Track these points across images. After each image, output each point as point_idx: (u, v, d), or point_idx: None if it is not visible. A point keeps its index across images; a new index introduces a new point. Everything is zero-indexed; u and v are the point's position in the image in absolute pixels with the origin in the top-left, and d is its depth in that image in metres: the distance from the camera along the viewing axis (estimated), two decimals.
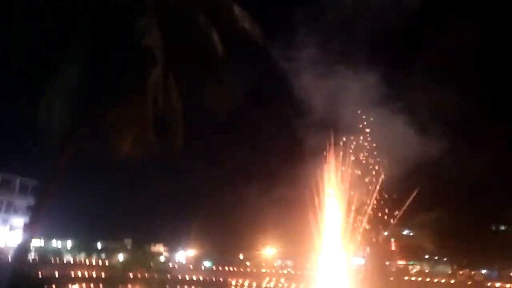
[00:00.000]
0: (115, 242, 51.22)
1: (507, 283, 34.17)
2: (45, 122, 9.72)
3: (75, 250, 52.02)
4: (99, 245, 54.35)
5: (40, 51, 10.19)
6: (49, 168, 10.66)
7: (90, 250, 51.89)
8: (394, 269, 40.61)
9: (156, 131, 10.59)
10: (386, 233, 35.11)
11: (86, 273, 41.33)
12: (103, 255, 49.92)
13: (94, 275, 40.47)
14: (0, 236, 49.66)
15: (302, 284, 35.29)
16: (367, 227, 18.97)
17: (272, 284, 39.03)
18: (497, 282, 35.37)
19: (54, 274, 38.23)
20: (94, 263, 45.47)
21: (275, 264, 48.08)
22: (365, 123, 17.83)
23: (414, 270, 44.12)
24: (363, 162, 17.99)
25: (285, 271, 43.12)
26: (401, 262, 43.35)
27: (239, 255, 50.73)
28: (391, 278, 34.47)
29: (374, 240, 31.56)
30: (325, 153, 18.21)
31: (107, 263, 44.20)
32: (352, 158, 18.02)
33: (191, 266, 46.48)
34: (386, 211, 18.94)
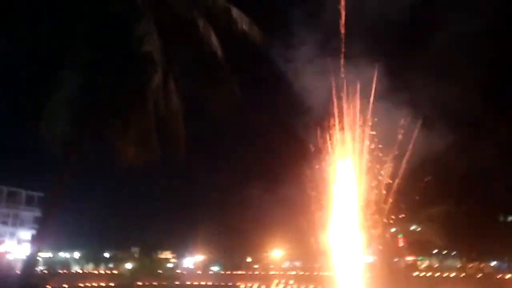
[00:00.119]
0: (122, 251, 51.24)
1: None
2: (48, 132, 9.73)
3: (83, 260, 52.08)
4: (106, 255, 54.42)
5: (39, 61, 10.23)
6: (54, 179, 10.66)
7: (98, 260, 51.95)
8: (403, 266, 40.42)
9: (159, 136, 10.60)
10: (393, 230, 34.95)
11: (95, 283, 41.35)
12: (111, 265, 49.97)
13: (103, 285, 40.49)
14: (8, 249, 49.77)
15: (311, 285, 35.20)
16: (375, 224, 18.82)
17: (281, 286, 38.93)
18: (508, 273, 35.16)
19: (63, 285, 38.27)
20: (102, 273, 45.49)
21: (283, 266, 47.97)
22: (370, 117, 17.71)
23: (423, 266, 43.92)
24: (368, 157, 17.87)
25: (293, 273, 43.02)
26: (410, 258, 43.15)
27: (246, 258, 50.66)
28: (400, 275, 34.30)
29: (381, 237, 31.42)
30: (330, 151, 18.09)
31: (115, 272, 44.20)
32: (357, 154, 17.91)
33: (199, 272, 46.43)
34: (392, 207, 18.79)
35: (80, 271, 46.92)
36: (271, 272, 43.12)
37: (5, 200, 51.17)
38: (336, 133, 17.73)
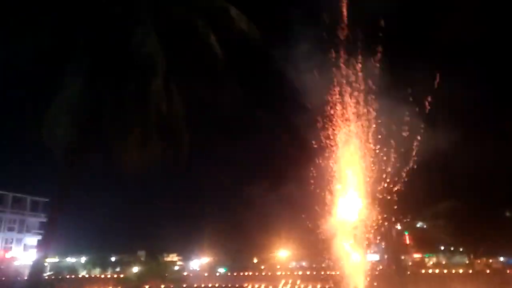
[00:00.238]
0: (129, 255, 51.29)
1: None
2: (50, 138, 9.73)
3: (89, 265, 52.15)
4: (113, 259, 54.49)
5: (40, 67, 10.24)
6: (58, 184, 10.66)
7: (104, 264, 52.00)
8: (410, 263, 40.22)
9: (161, 138, 10.57)
10: (399, 227, 34.81)
11: (102, 287, 41.41)
12: (118, 269, 50.00)
13: None
14: (15, 255, 49.98)
15: (318, 285, 35.08)
16: (380, 222, 18.72)
17: (288, 286, 38.83)
18: None
19: None
20: (109, 277, 45.54)
21: (290, 266, 47.86)
22: (373, 113, 17.63)
23: (431, 263, 43.67)
24: (373, 154, 17.77)
25: (300, 272, 42.90)
26: (417, 255, 42.93)
27: (253, 259, 50.57)
28: (408, 272, 34.13)
29: (388, 235, 31.28)
30: (334, 150, 18.04)
31: (122, 276, 44.24)
32: (361, 152, 17.83)
33: (206, 274, 46.37)
34: (398, 204, 18.69)
35: (87, 276, 46.98)
36: (278, 273, 43.01)
37: (11, 207, 51.36)
38: (339, 130, 17.67)
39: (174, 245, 51.30)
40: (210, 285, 41.06)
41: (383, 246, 36.30)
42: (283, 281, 39.75)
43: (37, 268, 11.64)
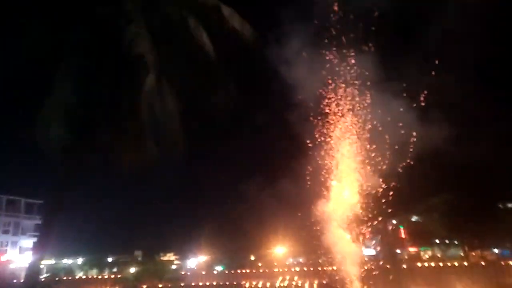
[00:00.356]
0: (125, 255, 51.22)
1: None
2: (43, 139, 9.69)
3: (86, 266, 52.01)
4: (110, 259, 54.37)
5: (32, 68, 10.18)
6: (52, 185, 10.64)
7: (101, 265, 51.87)
8: (406, 257, 40.52)
9: (156, 138, 10.57)
10: (394, 222, 35.02)
11: None
12: (115, 269, 49.91)
13: None
14: (10, 258, 49.71)
15: (316, 280, 35.23)
16: (375, 217, 18.85)
17: (286, 283, 38.95)
18: (511, 260, 35.23)
19: None
20: (106, 278, 45.45)
21: (287, 263, 47.98)
22: (368, 108, 17.71)
23: (426, 256, 44.00)
24: (368, 149, 17.86)
25: (297, 269, 43.05)
26: (413, 249, 43.24)
27: (250, 256, 50.65)
28: (404, 266, 34.37)
29: (383, 229, 31.47)
30: (329, 146, 18.12)
31: (119, 276, 44.17)
32: (355, 146, 17.92)
33: (203, 272, 46.40)
34: (392, 198, 18.80)
35: (84, 277, 46.84)
36: (275, 269, 43.13)
37: (5, 209, 51.05)
38: (334, 126, 17.75)
39: (170, 244, 51.33)
40: (208, 284, 41.13)
41: (378, 241, 36.54)
42: (280, 278, 39.88)
43: (33, 271, 11.59)
